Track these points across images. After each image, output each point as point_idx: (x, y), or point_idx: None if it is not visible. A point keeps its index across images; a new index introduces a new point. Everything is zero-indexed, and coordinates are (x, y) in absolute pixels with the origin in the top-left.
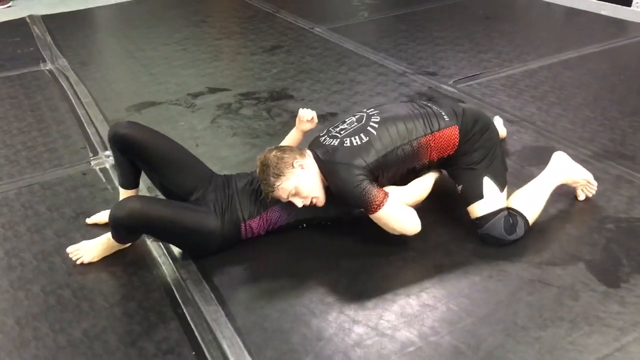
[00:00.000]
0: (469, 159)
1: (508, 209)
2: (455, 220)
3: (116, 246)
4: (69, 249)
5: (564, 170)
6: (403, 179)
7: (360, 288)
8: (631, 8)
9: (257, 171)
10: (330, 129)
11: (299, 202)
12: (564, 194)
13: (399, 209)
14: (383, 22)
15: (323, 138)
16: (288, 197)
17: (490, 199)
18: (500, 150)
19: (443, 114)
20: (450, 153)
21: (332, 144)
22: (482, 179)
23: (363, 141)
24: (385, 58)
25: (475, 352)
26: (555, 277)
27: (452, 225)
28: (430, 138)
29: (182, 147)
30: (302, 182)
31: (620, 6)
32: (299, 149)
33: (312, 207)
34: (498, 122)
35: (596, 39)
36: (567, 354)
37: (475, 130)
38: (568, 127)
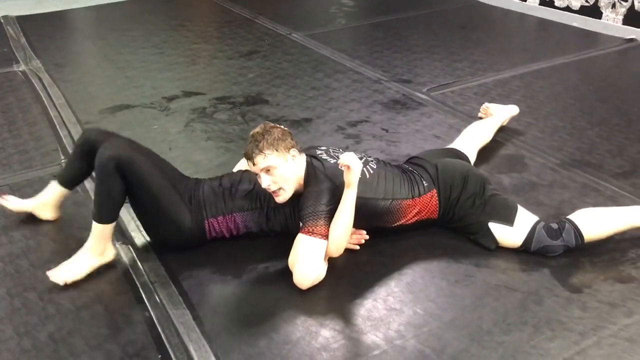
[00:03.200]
0: (465, 220)
1: (565, 218)
2: (424, 226)
3: (96, 256)
4: (49, 273)
5: None
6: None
7: (329, 292)
8: (602, 20)
9: (255, 131)
10: (329, 149)
11: (266, 180)
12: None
13: (319, 255)
14: (360, 29)
15: (320, 152)
16: (261, 170)
17: (509, 237)
18: (490, 187)
19: (423, 180)
20: (434, 217)
21: (329, 160)
22: (487, 226)
23: None
24: (361, 65)
25: (439, 355)
26: (521, 283)
27: (421, 231)
28: (411, 202)
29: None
30: (283, 168)
31: (591, 18)
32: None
33: (278, 221)
34: (508, 110)
35: (568, 50)
36: (529, 358)
37: (455, 194)
38: (537, 135)
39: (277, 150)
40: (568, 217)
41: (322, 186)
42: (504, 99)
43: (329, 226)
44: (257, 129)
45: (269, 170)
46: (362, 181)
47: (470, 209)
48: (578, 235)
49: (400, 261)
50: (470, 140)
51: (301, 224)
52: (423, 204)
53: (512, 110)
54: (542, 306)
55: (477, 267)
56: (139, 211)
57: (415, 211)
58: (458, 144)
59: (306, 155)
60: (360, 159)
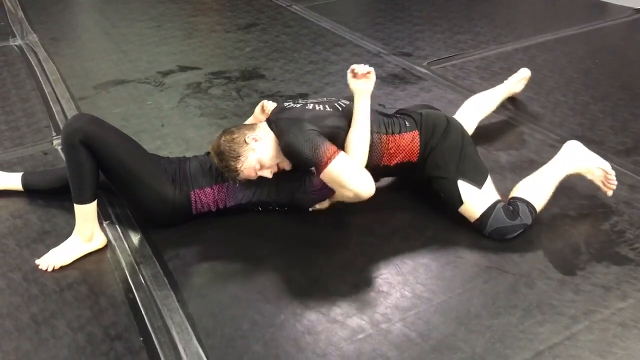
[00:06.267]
0: (437, 170)
1: (511, 198)
2: (415, 206)
3: (85, 242)
4: (38, 261)
5: (573, 159)
6: None
7: (316, 274)
8: None
9: (215, 161)
10: (297, 98)
11: (268, 174)
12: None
13: (351, 165)
14: (362, 0)
15: (287, 104)
16: (256, 174)
17: (473, 201)
18: (470, 146)
19: (406, 122)
20: (413, 160)
21: (292, 106)
22: (457, 183)
23: (326, 110)
24: (361, 38)
25: (425, 340)
26: (513, 265)
27: (412, 211)
28: (391, 138)
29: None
30: (261, 154)
31: None
32: (247, 124)
33: (266, 190)
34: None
35: (575, 21)
36: (517, 343)
37: (435, 139)
38: (539, 110)
39: (241, 155)
40: (515, 196)
41: (292, 128)
42: (506, 73)
43: (331, 144)
44: (213, 146)
45: (260, 168)
46: (334, 114)
47: (446, 159)
48: (533, 211)
49: (389, 242)
50: (471, 113)
51: (312, 169)
52: (405, 142)
53: (523, 73)
54: (533, 289)
55: (468, 248)
56: (117, 186)
57: (395, 148)
58: (458, 117)
59: (266, 121)
60: (331, 98)
